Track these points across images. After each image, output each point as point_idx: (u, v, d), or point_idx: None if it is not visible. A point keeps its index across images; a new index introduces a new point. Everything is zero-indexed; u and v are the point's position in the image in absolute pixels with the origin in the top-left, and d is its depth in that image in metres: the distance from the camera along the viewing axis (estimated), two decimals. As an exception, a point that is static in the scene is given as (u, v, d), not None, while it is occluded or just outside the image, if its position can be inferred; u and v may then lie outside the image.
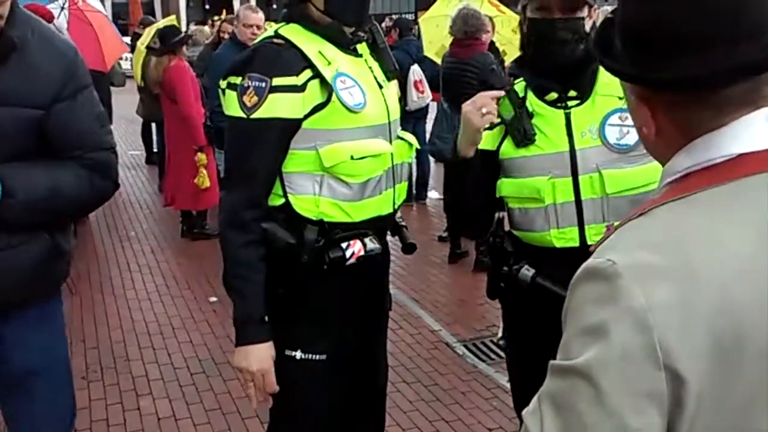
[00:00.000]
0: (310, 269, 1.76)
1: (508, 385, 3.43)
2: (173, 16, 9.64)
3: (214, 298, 4.60)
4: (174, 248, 5.76)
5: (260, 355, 1.75)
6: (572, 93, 1.79)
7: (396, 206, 1.92)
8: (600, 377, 0.80)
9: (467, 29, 4.82)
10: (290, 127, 1.73)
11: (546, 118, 1.78)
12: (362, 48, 1.90)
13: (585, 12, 1.73)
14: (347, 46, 1.83)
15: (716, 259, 0.79)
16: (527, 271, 1.77)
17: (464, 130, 1.77)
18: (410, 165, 2.00)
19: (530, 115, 1.77)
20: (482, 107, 1.72)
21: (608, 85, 1.77)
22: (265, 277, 1.76)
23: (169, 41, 5.61)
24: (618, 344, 0.79)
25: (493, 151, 1.82)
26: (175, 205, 5.89)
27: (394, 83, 1.97)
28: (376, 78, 1.87)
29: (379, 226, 1.86)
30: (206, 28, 8.96)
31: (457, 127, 1.84)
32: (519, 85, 1.83)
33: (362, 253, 1.78)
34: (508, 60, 5.25)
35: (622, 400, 0.79)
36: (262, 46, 1.78)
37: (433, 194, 7.23)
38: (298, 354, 1.83)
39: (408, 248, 2.01)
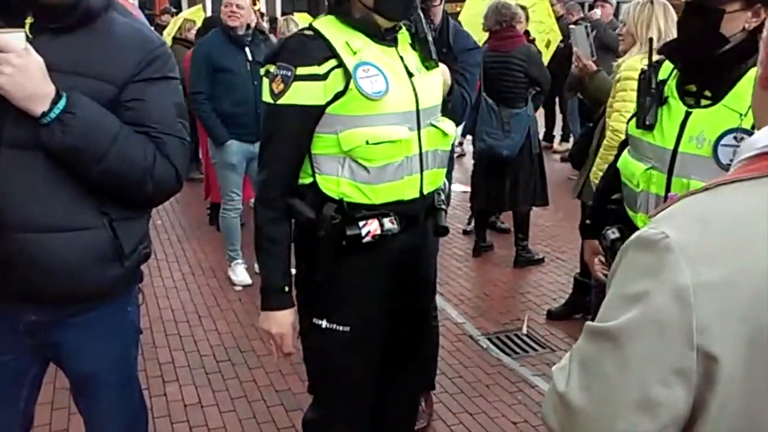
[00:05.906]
0: (330, 244, 1.87)
1: (533, 380, 3.46)
2: (199, 6, 9.70)
3: (239, 288, 4.65)
4: (201, 238, 5.81)
5: (279, 321, 1.95)
6: (708, 93, 1.79)
7: (426, 192, 1.97)
8: (630, 344, 0.80)
9: (500, 19, 4.76)
10: (311, 113, 1.82)
11: (671, 109, 1.83)
12: (403, 36, 1.96)
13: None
14: (380, 37, 1.88)
15: None
16: None
17: None
18: (446, 153, 2.04)
19: (663, 101, 1.84)
20: None
21: (738, 100, 1.72)
22: (287, 251, 1.93)
23: None
24: (654, 316, 0.79)
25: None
26: (211, 197, 5.84)
27: (436, 72, 2.01)
28: (406, 67, 1.91)
29: (403, 210, 1.91)
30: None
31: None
32: (665, 68, 1.87)
33: (378, 232, 1.87)
34: (551, 49, 5.08)
35: (649, 371, 0.79)
36: (291, 38, 1.91)
37: (457, 187, 7.21)
38: (324, 323, 1.96)
39: (437, 230, 2.08)
